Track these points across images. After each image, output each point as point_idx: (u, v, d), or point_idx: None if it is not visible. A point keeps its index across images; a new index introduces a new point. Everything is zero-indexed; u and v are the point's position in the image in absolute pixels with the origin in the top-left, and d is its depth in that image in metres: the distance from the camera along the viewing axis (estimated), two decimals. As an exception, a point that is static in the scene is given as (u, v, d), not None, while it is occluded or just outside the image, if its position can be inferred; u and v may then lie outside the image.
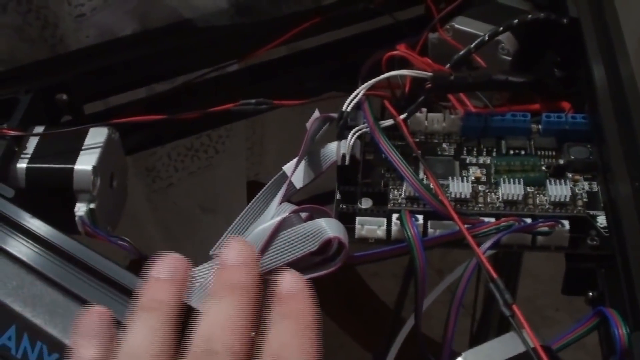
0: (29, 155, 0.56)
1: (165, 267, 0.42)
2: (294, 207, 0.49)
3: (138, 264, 0.45)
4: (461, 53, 0.57)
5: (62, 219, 0.52)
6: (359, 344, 1.31)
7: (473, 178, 0.53)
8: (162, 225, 0.89)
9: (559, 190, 0.51)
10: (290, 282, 0.40)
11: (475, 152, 0.56)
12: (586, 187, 0.52)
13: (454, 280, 0.50)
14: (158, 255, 0.42)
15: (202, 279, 0.48)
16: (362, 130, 0.54)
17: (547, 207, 0.51)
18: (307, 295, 0.40)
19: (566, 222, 0.49)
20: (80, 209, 0.54)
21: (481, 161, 0.55)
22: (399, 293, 0.95)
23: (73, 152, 0.56)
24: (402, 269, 0.92)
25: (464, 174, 0.54)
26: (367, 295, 1.36)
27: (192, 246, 0.90)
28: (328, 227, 0.45)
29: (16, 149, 0.56)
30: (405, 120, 0.55)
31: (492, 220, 0.49)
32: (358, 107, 0.55)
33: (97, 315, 0.41)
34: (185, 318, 0.40)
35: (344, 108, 0.54)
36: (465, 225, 0.47)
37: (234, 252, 0.42)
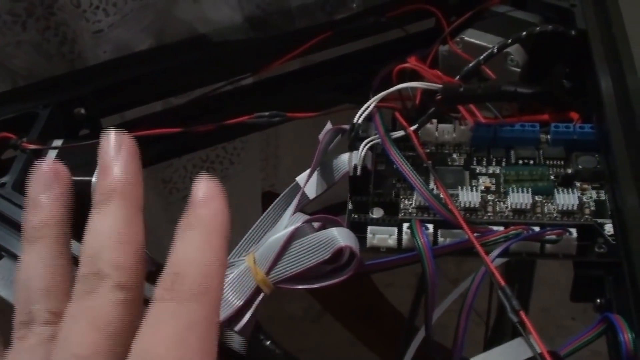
0: (48, 168, 0.57)
1: (41, 183, 0.39)
2: (307, 217, 0.49)
3: (155, 275, 0.46)
4: (471, 65, 0.58)
5: (80, 231, 0.53)
6: (376, 354, 1.32)
7: (483, 187, 0.54)
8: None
9: (566, 199, 0.51)
10: (202, 189, 0.37)
11: (485, 162, 0.56)
12: (594, 196, 0.53)
13: (465, 289, 0.51)
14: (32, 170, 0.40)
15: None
16: (373, 142, 0.55)
17: (555, 215, 0.51)
18: (217, 201, 0.37)
19: (574, 230, 0.50)
20: (98, 220, 0.55)
21: (491, 171, 0.56)
22: (413, 302, 0.95)
23: (91, 165, 0.56)
24: (416, 278, 0.93)
25: (473, 184, 0.55)
26: (383, 306, 1.36)
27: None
28: (340, 236, 0.46)
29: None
30: (416, 131, 0.56)
31: (501, 228, 0.50)
32: (369, 118, 0.56)
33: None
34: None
35: (355, 120, 0.55)
36: (475, 234, 0.48)
37: (117, 162, 0.38)
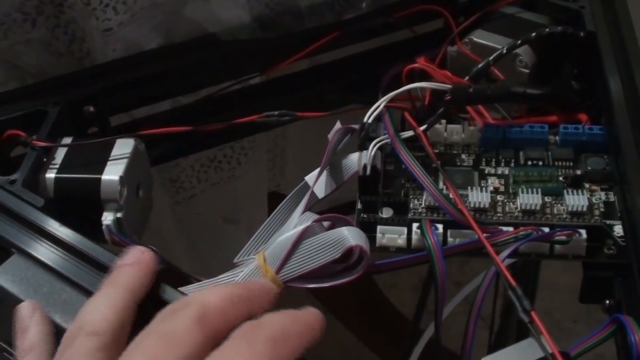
0: (57, 166, 0.57)
1: (130, 257, 0.45)
2: (316, 216, 0.49)
3: (163, 273, 0.46)
4: (480, 66, 0.58)
5: (89, 228, 0.53)
6: (378, 355, 1.32)
7: (492, 188, 0.54)
8: (185, 235, 0.90)
9: (576, 200, 0.52)
10: (311, 312, 0.41)
11: (493, 163, 0.57)
12: (603, 197, 0.53)
13: (472, 290, 0.51)
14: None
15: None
16: (383, 142, 0.55)
17: (564, 216, 0.52)
18: (318, 325, 0.40)
19: (583, 232, 0.50)
20: (107, 217, 0.55)
21: (500, 172, 0.56)
22: (417, 304, 0.95)
23: (100, 163, 0.57)
24: (419, 280, 0.93)
25: (482, 184, 0.55)
26: (386, 307, 1.36)
27: (215, 256, 0.91)
28: (350, 236, 0.46)
29: (45, 160, 0.57)
30: (425, 131, 0.56)
31: (511, 229, 0.50)
32: (379, 118, 0.56)
33: (27, 307, 0.45)
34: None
35: (365, 119, 0.55)
36: (484, 234, 0.48)
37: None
